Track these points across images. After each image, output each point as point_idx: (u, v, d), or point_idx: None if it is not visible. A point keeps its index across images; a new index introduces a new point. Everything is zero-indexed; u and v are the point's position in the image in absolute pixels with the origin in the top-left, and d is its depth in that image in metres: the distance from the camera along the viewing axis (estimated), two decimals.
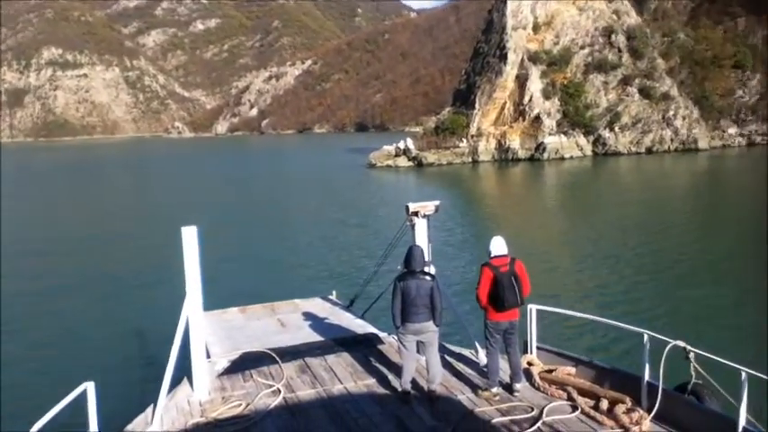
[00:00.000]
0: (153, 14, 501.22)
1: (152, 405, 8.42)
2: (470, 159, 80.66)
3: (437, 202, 9.97)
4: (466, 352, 10.21)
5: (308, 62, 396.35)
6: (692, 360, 7.47)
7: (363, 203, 47.13)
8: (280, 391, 9.09)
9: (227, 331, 12.34)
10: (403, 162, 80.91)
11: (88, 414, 7.16)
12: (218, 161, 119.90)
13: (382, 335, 11.45)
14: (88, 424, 7.17)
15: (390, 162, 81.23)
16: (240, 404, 8.74)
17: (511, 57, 79.36)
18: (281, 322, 12.99)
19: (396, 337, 9.42)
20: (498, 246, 8.61)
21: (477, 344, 9.90)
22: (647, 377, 7.90)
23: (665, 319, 17.61)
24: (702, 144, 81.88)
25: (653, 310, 18.60)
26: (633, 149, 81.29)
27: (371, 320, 12.77)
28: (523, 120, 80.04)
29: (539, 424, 7.68)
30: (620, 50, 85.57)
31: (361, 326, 12.25)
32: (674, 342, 7.47)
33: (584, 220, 37.06)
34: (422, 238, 9.86)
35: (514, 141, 79.98)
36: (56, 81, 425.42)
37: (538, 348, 9.59)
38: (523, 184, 64.20)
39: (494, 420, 7.91)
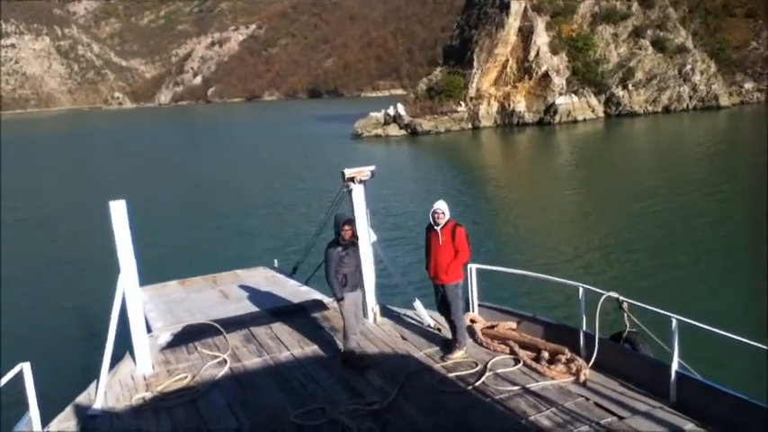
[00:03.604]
0: None
1: (94, 382, 8.21)
2: (470, 125, 71.09)
3: (372, 167, 9.96)
4: (410, 313, 10.37)
5: (253, 26, 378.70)
6: (626, 310, 7.78)
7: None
8: (226, 362, 9.01)
9: (167, 305, 12.20)
10: (394, 131, 70.69)
11: (27, 395, 7.01)
12: (172, 134, 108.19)
13: (327, 300, 11.36)
14: (27, 405, 7.04)
15: (380, 131, 70.88)
16: (186, 376, 8.66)
17: (514, 6, 69.10)
18: (224, 293, 12.87)
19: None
20: None
21: (419, 304, 10.20)
22: (584, 328, 8.20)
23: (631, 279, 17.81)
24: (723, 101, 73.70)
25: (615, 272, 19.19)
26: (650, 109, 72.74)
27: (315, 287, 12.55)
28: (529, 78, 70.33)
29: (483, 378, 7.92)
30: None
31: (305, 293, 12.28)
32: (607, 293, 7.79)
33: (591, 191, 35.06)
34: (359, 203, 9.96)
35: (520, 104, 70.45)
36: None
37: (480, 306, 9.91)
38: (534, 154, 55.17)
39: (439, 377, 8.13)
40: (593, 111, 71.54)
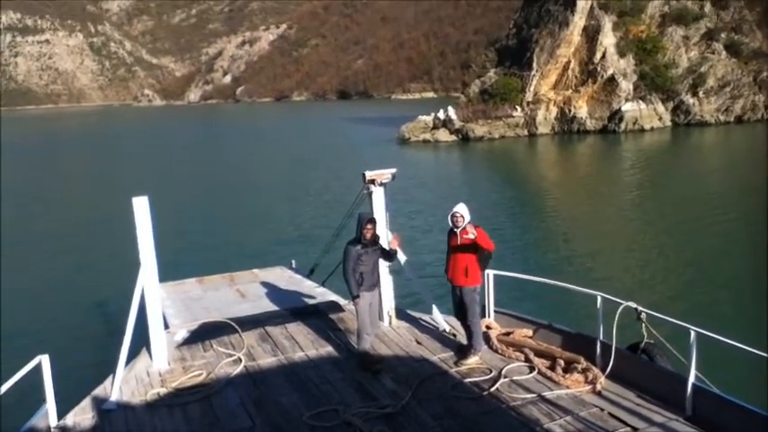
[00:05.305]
0: None
1: (111, 376, 8.29)
2: (526, 132, 65.77)
3: (393, 170, 9.89)
4: (426, 317, 10.31)
5: (283, 27, 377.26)
6: (644, 320, 7.65)
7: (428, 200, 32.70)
8: (241, 360, 9.02)
9: (185, 302, 12.26)
10: (444, 136, 65.65)
11: (44, 387, 7.07)
12: (201, 132, 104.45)
13: (343, 302, 11.37)
14: (45, 397, 7.11)
15: (428, 136, 65.93)
16: (201, 373, 8.63)
17: (580, 3, 63.73)
18: (241, 292, 12.85)
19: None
20: None
21: (435, 309, 10.12)
22: (601, 337, 8.07)
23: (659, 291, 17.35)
24: None
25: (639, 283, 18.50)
26: (721, 118, 66.80)
27: (332, 288, 12.51)
28: (593, 82, 64.80)
29: (498, 385, 7.82)
30: None
31: (321, 294, 12.25)
32: (625, 303, 7.65)
33: (639, 204, 32.69)
34: (379, 205, 9.89)
35: (581, 109, 64.95)
36: (16, 47, 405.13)
37: (496, 312, 9.82)
38: (596, 165, 49.67)
39: (453, 382, 8.05)
40: (660, 119, 65.94)
